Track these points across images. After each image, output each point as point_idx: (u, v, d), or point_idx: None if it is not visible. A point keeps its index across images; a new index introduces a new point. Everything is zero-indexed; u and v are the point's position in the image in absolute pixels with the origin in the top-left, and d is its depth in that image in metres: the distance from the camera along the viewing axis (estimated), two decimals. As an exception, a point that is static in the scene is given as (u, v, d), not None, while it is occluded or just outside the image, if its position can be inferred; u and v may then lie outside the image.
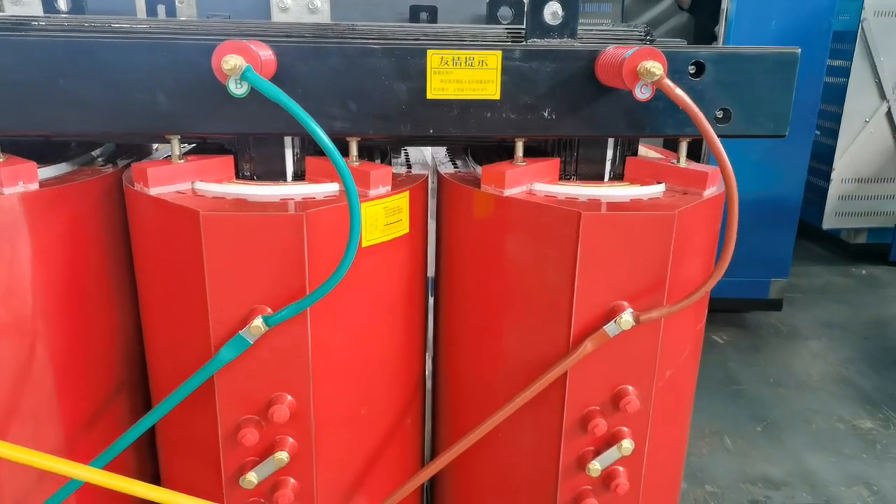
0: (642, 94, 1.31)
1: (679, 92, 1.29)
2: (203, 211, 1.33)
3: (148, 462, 1.83)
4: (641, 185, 1.57)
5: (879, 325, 4.87)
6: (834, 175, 5.56)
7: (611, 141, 1.61)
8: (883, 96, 5.40)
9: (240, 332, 1.38)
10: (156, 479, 1.86)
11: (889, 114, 5.45)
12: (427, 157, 1.95)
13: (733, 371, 4.13)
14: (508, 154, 1.59)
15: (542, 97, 1.46)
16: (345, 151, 1.48)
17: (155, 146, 2.00)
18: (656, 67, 1.26)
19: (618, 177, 1.64)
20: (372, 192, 1.48)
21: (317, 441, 1.52)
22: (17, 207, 1.42)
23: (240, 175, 1.58)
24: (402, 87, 1.43)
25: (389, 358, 1.65)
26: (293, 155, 1.56)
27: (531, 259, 1.49)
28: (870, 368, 4.25)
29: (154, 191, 1.44)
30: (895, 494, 3.11)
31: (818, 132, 5.14)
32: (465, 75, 1.43)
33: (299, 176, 1.59)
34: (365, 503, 1.65)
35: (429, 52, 1.41)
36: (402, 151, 1.97)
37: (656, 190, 1.55)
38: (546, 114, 1.48)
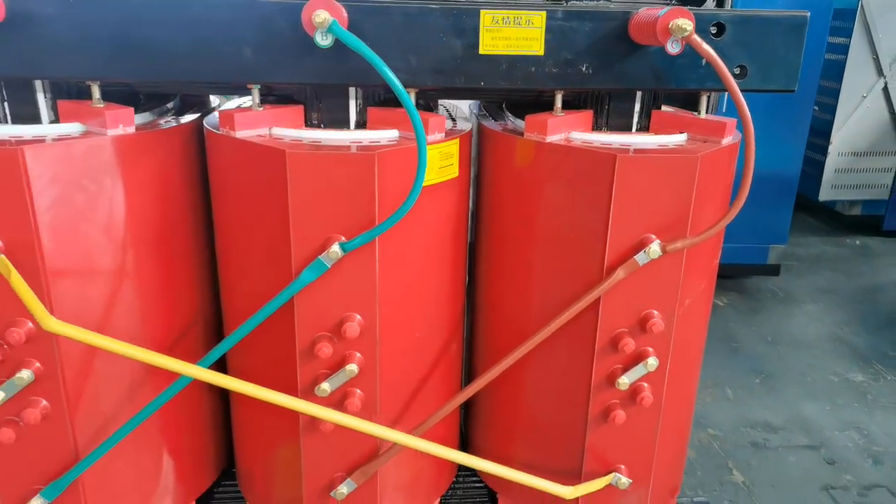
0: (673, 48, 1.51)
1: (706, 46, 1.48)
2: (288, 150, 1.52)
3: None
4: (665, 134, 1.77)
5: (872, 291, 5.11)
6: (831, 149, 5.76)
7: (638, 94, 1.80)
8: (880, 72, 5.58)
9: (318, 256, 1.58)
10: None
11: (886, 89, 5.64)
12: (465, 111, 2.14)
13: (733, 330, 4.36)
14: (540, 108, 1.78)
15: (580, 53, 1.65)
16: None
17: (216, 101, 2.19)
18: (687, 24, 1.45)
19: (644, 128, 1.84)
20: (429, 138, 1.68)
21: (380, 357, 1.72)
22: (118, 148, 1.60)
23: (308, 123, 1.77)
24: (457, 44, 1.62)
25: (439, 288, 1.85)
26: (356, 105, 1.75)
27: (569, 199, 1.69)
28: (863, 329, 4.49)
29: (240, 134, 1.63)
30: (883, 438, 3.35)
31: (816, 108, 5.33)
32: (513, 33, 1.62)
33: (360, 125, 1.78)
34: (415, 416, 1.86)
35: (482, 12, 1.60)
36: (441, 106, 2.16)
37: (679, 138, 1.75)
38: (584, 68, 1.67)
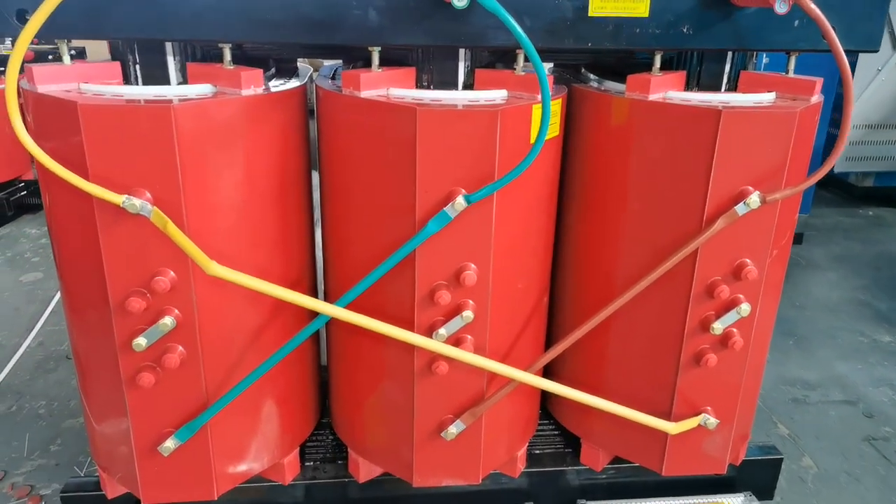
0: (781, 8, 1.61)
1: (813, 5, 1.59)
2: (419, 107, 1.62)
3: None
4: (756, 93, 1.87)
5: (889, 258, 5.27)
6: (846, 121, 5.87)
7: (728, 55, 1.91)
8: (895, 46, 5.70)
9: (444, 208, 1.68)
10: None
11: (901, 63, 5.76)
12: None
13: (762, 296, 4.50)
14: (617, 72, 1.88)
15: (682, 15, 1.75)
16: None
17: (303, 65, 2.28)
18: (797, -15, 1.55)
19: (732, 88, 1.94)
20: (540, 97, 1.77)
21: (491, 306, 1.83)
22: (250, 108, 1.69)
23: (419, 84, 1.86)
24: (568, 5, 1.71)
25: (538, 240, 1.97)
26: (465, 67, 1.85)
27: (671, 154, 1.80)
28: (884, 293, 4.65)
29: (364, 94, 1.72)
30: (916, 394, 3.52)
31: (832, 81, 5.44)
32: (622, -4, 1.72)
33: (467, 86, 1.87)
34: (516, 361, 1.98)
35: (594, -25, 1.69)
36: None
37: (769, 97, 1.86)
38: (685, 29, 1.77)
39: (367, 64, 1.92)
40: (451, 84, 1.85)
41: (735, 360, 1.96)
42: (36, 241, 5.29)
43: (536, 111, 1.76)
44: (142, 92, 1.66)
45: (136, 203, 1.56)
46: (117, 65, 1.74)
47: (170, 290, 1.67)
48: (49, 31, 1.57)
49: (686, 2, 1.74)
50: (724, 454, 2.11)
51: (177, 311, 1.72)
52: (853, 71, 5.73)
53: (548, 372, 2.15)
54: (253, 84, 1.70)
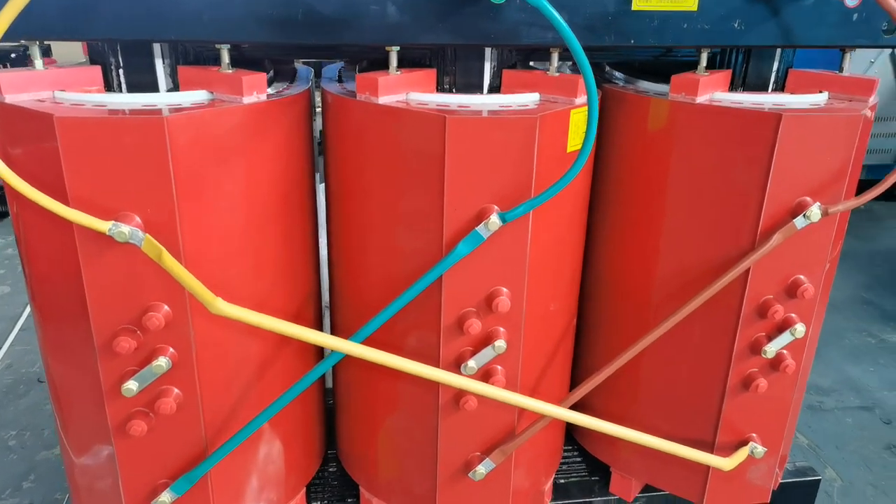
0: (851, 1, 1.44)
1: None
2: (448, 115, 1.42)
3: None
4: (806, 94, 1.71)
5: (885, 254, 5.20)
6: (838, 113, 5.79)
7: (777, 52, 1.74)
8: (887, 36, 5.62)
9: (476, 228, 1.49)
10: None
11: (893, 55, 5.68)
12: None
13: (765, 296, 4.38)
14: (657, 73, 1.71)
15: (734, 9, 1.58)
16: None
17: (300, 66, 2.07)
18: (872, -25, 1.38)
19: (779, 88, 1.78)
20: (577, 101, 1.59)
21: (524, 332, 1.65)
22: (253, 116, 1.48)
23: (440, 87, 1.67)
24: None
25: (570, 259, 1.79)
26: (491, 68, 1.65)
27: (721, 162, 1.63)
28: (886, 291, 4.57)
29: (383, 100, 1.52)
30: (932, 397, 3.42)
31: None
32: (668, -12, 1.54)
33: (493, 88, 1.68)
34: (546, 391, 1.80)
35: (638, -35, 1.51)
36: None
37: (821, 98, 1.70)
38: (736, 24, 1.59)
39: (376, 65, 1.73)
40: (475, 87, 1.66)
41: (785, 384, 1.81)
42: (1, 251, 4.99)
43: (575, 116, 1.57)
44: (128, 101, 1.44)
45: (125, 230, 1.34)
46: (97, 69, 1.52)
47: (164, 326, 1.45)
48: (21, 32, 1.35)
49: (736, -6, 1.57)
50: (769, 482, 1.95)
51: (171, 349, 1.50)
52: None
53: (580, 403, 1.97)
54: (255, 90, 1.49)
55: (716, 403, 1.81)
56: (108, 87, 1.55)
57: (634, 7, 1.55)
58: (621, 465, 2.06)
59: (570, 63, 2.17)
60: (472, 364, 1.60)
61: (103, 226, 1.34)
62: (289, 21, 1.44)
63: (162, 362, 1.47)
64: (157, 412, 1.52)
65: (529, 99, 1.60)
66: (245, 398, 1.67)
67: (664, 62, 2.11)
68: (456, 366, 1.63)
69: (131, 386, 1.47)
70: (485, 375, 1.64)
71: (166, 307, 1.47)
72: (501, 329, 1.62)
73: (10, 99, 1.39)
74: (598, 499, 2.12)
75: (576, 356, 2.04)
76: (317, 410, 1.99)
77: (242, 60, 1.66)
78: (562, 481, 2.16)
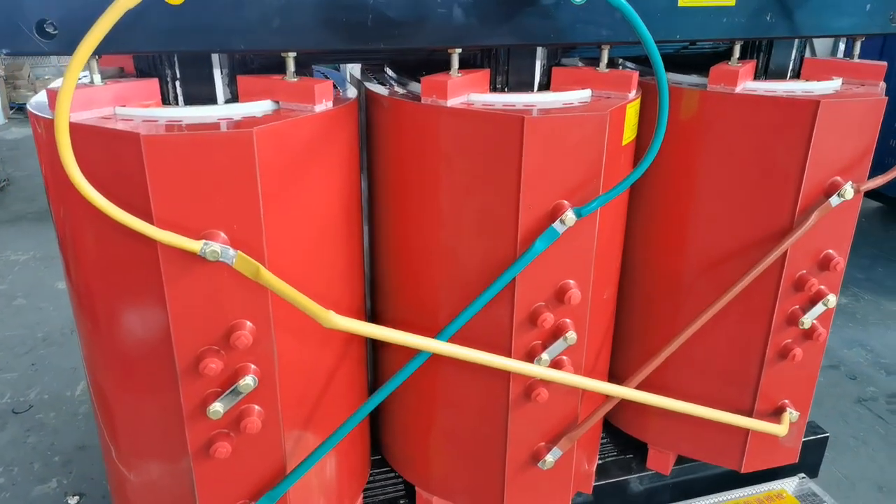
0: (881, -6, 1.56)
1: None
2: (527, 116, 1.45)
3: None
4: (821, 80, 1.84)
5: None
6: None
7: (795, 42, 1.86)
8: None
9: (552, 224, 1.53)
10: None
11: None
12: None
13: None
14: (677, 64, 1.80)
15: (766, 3, 1.67)
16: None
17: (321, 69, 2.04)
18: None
19: (796, 75, 1.90)
20: (630, 95, 1.65)
21: (589, 323, 1.70)
22: (324, 124, 1.47)
23: (492, 86, 1.69)
24: (659, -3, 1.60)
25: (618, 246, 1.85)
26: (541, 66, 1.69)
27: (759, 148, 1.73)
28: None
29: (451, 102, 1.53)
30: (885, 350, 3.72)
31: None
32: (711, -16, 1.62)
33: (542, 86, 1.72)
34: (600, 376, 1.87)
35: (684, -38, 1.58)
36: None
37: (836, 84, 1.82)
38: (768, 17, 1.69)
39: (404, 67, 1.73)
40: (526, 85, 1.70)
41: (816, 351, 1.94)
42: (-66, 277, 4.63)
43: (630, 111, 1.63)
44: (202, 114, 1.39)
45: (217, 249, 1.31)
46: (154, 83, 1.46)
47: (252, 344, 1.42)
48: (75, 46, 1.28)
49: (769, -12, 1.67)
50: (798, 443, 2.10)
51: (253, 366, 1.47)
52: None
53: (611, 377, 2.05)
54: (325, 97, 1.47)
55: (755, 373, 1.93)
56: (164, 100, 1.49)
57: (681, 3, 1.62)
58: (659, 441, 2.16)
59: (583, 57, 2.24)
60: (546, 357, 1.64)
61: (195, 246, 1.29)
62: (359, 27, 1.43)
63: (249, 381, 1.43)
64: (243, 432, 1.48)
65: (584, 95, 1.65)
66: (317, 409, 1.65)
67: (681, 55, 2.21)
68: (527, 359, 1.66)
69: (217, 408, 1.43)
70: (555, 366, 1.69)
71: (249, 324, 1.43)
72: (568, 320, 1.67)
73: (74, 118, 1.31)
74: (635, 476, 2.21)
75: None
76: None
77: (264, 66, 1.64)
78: (599, 462, 2.24)
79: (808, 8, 1.71)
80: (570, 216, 1.52)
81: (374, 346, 1.97)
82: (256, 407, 1.51)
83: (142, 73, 1.51)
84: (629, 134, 1.67)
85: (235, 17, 1.35)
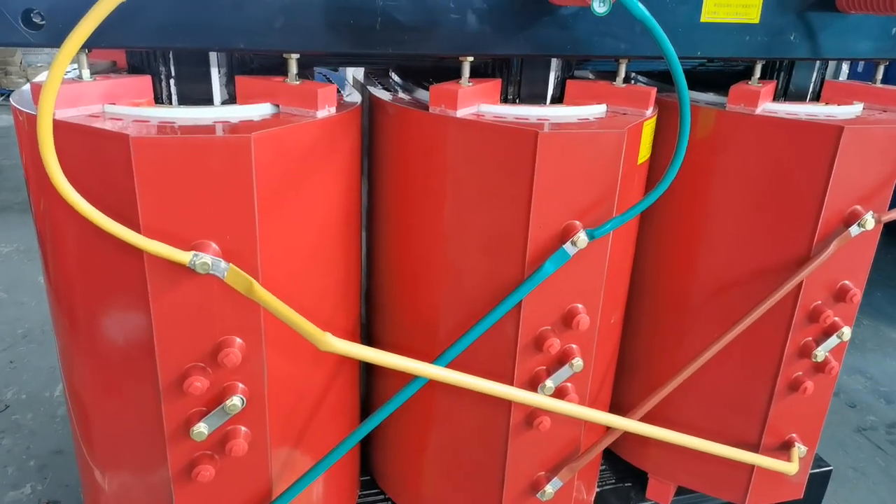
0: (912, 18, 1.50)
1: (950, 16, 1.49)
2: (541, 130, 1.37)
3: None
4: (839, 104, 1.77)
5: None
6: None
7: (817, 64, 1.79)
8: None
9: (562, 245, 1.45)
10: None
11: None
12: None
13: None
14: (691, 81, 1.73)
15: (790, 21, 1.61)
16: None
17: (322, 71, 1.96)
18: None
19: (815, 98, 1.83)
20: (647, 112, 1.58)
21: (596, 349, 1.63)
22: (326, 131, 1.39)
23: (503, 97, 1.61)
24: (681, 10, 1.53)
25: (627, 270, 1.78)
26: (555, 79, 1.62)
27: (777, 171, 1.66)
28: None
29: (460, 113, 1.45)
30: (884, 378, 3.66)
31: None
32: (734, 0, 1.55)
33: (555, 99, 1.64)
34: (603, 405, 1.79)
35: (709, -23, 1.51)
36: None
37: (857, 108, 1.76)
38: (791, 37, 1.63)
39: (409, 73, 1.65)
40: (540, 97, 1.62)
41: (827, 385, 1.88)
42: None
43: (647, 129, 1.56)
44: (196, 116, 1.31)
45: (208, 261, 1.22)
46: (147, 80, 1.37)
47: (241, 362, 1.33)
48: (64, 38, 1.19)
49: (794, 7, 1.60)
50: (804, 478, 2.03)
51: (241, 385, 1.38)
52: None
53: (613, 405, 1.97)
54: (327, 103, 1.39)
55: (763, 405, 1.86)
56: (157, 98, 1.40)
57: (703, 19, 1.55)
58: (660, 471, 2.08)
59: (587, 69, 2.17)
60: (550, 384, 1.56)
61: (184, 257, 1.21)
62: (368, 30, 1.35)
63: (237, 401, 1.35)
64: (228, 454, 1.39)
65: (599, 110, 1.57)
66: (307, 431, 1.56)
67: (696, 72, 2.14)
68: (530, 384, 1.58)
69: (202, 429, 1.34)
70: (559, 394, 1.61)
71: (239, 340, 1.35)
72: (574, 346, 1.59)
73: (59, 115, 1.23)
74: (637, 504, 2.14)
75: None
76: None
77: (261, 67, 1.56)
78: (597, 490, 2.16)
79: (834, 30, 1.65)
80: (582, 238, 1.44)
81: (368, 365, 1.89)
82: (242, 428, 1.42)
83: (134, 69, 1.43)
84: (644, 153, 1.60)
85: (237, 15, 1.27)
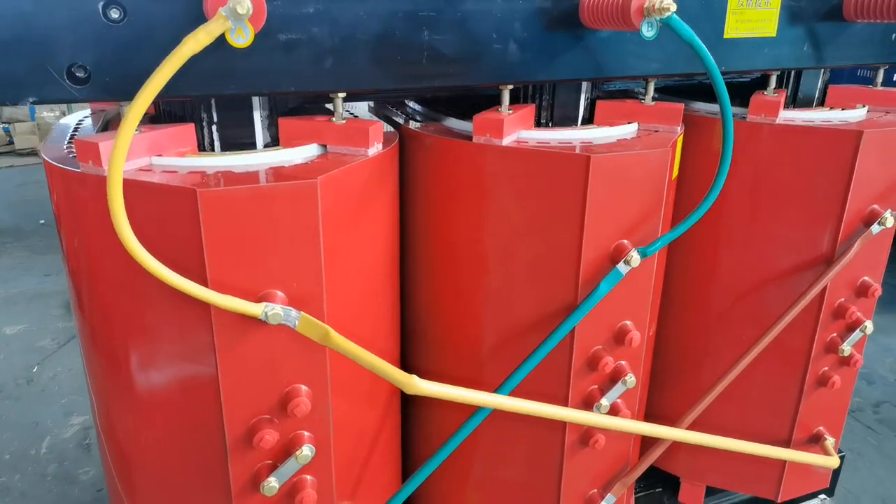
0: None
1: (956, 22, 1.57)
2: (593, 155, 1.38)
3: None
4: (844, 108, 1.85)
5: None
6: None
7: (821, 71, 1.86)
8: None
9: (616, 265, 1.46)
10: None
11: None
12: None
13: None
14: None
15: (803, 33, 1.67)
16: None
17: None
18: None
19: (821, 103, 1.91)
20: (678, 129, 1.61)
21: (644, 363, 1.65)
22: (378, 168, 1.37)
23: (537, 122, 1.62)
24: (707, 27, 1.56)
25: (661, 281, 1.81)
26: (585, 100, 1.64)
27: (800, 177, 1.72)
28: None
29: (506, 141, 1.45)
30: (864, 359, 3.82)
31: None
32: (754, 15, 1.60)
33: (585, 120, 1.66)
34: (640, 412, 1.81)
35: (730, -6, 1.56)
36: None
37: (861, 112, 1.83)
38: (805, 48, 1.69)
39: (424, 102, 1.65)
40: (571, 119, 1.63)
41: (850, 377, 1.94)
42: None
43: (679, 145, 1.59)
44: (249, 162, 1.27)
45: (280, 311, 1.18)
46: (189, 128, 1.32)
47: (311, 412, 1.30)
48: (115, 92, 1.15)
49: (805, 19, 1.66)
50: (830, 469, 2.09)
51: (307, 433, 1.35)
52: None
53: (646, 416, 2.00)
54: (377, 140, 1.37)
55: (794, 402, 1.91)
56: (200, 145, 1.35)
57: (726, 35, 1.59)
58: (691, 473, 2.11)
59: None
60: (605, 402, 1.57)
61: (256, 309, 1.17)
62: (414, 65, 1.34)
63: (307, 451, 1.31)
64: (299, 506, 1.35)
65: (632, 129, 1.60)
66: (364, 474, 1.53)
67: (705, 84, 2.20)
68: (585, 404, 1.59)
69: (273, 483, 1.30)
70: (612, 411, 1.62)
71: (305, 388, 1.31)
72: (624, 363, 1.61)
73: (110, 171, 1.17)
74: (671, 509, 2.17)
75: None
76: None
77: (293, 108, 1.53)
78: (630, 498, 2.18)
79: (840, 39, 1.71)
80: (635, 257, 1.46)
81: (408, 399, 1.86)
82: (308, 477, 1.38)
83: (173, 116, 1.38)
84: (677, 168, 1.63)
85: (287, 59, 1.24)
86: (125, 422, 1.40)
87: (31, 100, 1.13)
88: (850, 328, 1.83)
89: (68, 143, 1.41)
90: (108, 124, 1.59)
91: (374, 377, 1.43)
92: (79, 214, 1.24)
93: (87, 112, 1.77)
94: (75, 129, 1.54)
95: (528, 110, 1.57)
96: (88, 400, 1.53)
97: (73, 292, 1.37)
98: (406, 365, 1.86)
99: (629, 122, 1.62)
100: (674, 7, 1.26)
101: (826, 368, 1.89)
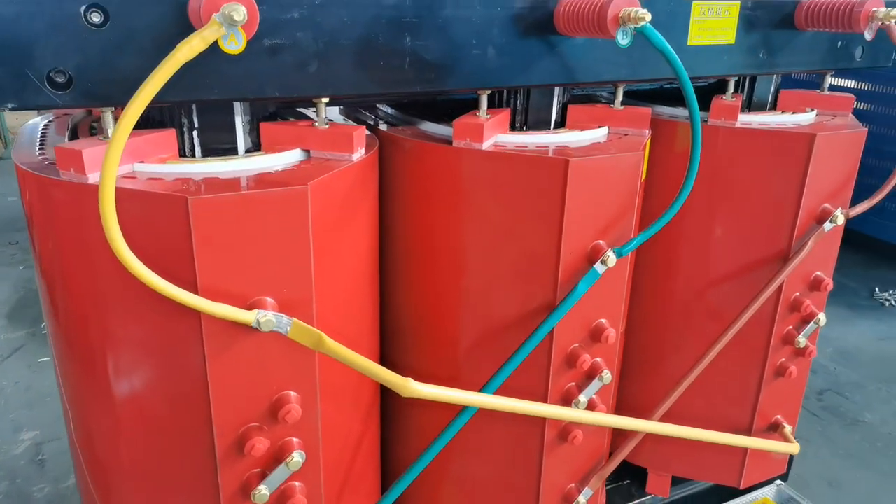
0: (868, 34, 1.67)
1: (899, 32, 1.68)
2: (571, 159, 1.43)
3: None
4: (794, 111, 1.95)
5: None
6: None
7: (774, 78, 1.96)
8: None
9: (593, 265, 1.51)
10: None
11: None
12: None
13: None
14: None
15: (759, 40, 1.76)
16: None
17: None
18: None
19: (773, 107, 2.01)
20: (647, 132, 1.67)
21: (617, 359, 1.70)
22: (361, 172, 1.38)
23: (511, 125, 1.66)
24: (672, 36, 1.62)
25: (630, 278, 1.87)
26: (558, 105, 1.68)
27: (758, 178, 1.80)
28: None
29: (485, 145, 1.48)
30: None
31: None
32: (715, 24, 1.67)
33: (558, 124, 1.71)
34: (613, 405, 1.87)
35: (693, 3, 1.63)
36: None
37: (810, 116, 1.94)
38: (761, 54, 1.78)
39: (399, 107, 1.67)
40: (545, 123, 1.68)
41: (805, 367, 2.05)
42: None
43: (647, 147, 1.65)
44: (234, 168, 1.26)
45: (272, 318, 1.18)
46: (171, 134, 1.31)
47: (301, 418, 1.30)
48: (101, 97, 1.13)
49: (761, 27, 1.75)
50: (787, 455, 2.19)
51: (296, 440, 1.34)
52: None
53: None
54: (360, 145, 1.38)
55: (754, 392, 2.00)
56: (181, 151, 1.34)
57: (690, 42, 1.66)
58: (660, 466, 2.19)
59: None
60: (583, 399, 1.62)
61: (248, 317, 1.17)
62: (397, 70, 1.35)
63: (297, 457, 1.31)
64: (289, 513, 1.35)
65: (603, 133, 1.65)
66: (349, 478, 1.54)
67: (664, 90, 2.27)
68: (563, 401, 1.63)
69: (263, 490, 1.29)
70: (589, 406, 1.66)
71: (294, 394, 1.31)
72: (599, 359, 1.66)
73: (93, 179, 1.15)
74: (637, 502, 2.23)
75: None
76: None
77: (272, 113, 1.53)
78: (599, 491, 2.24)
79: (793, 46, 1.81)
80: (611, 257, 1.51)
81: (386, 399, 1.87)
82: (297, 483, 1.38)
83: (152, 121, 1.35)
84: (645, 171, 1.69)
85: (272, 64, 1.23)
86: (107, 433, 1.36)
87: (9, 106, 1.10)
88: (805, 320, 1.93)
89: (40, 148, 1.37)
90: (77, 128, 1.55)
91: (360, 381, 1.44)
92: (59, 223, 1.20)
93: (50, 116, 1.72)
94: (43, 135, 1.50)
95: (504, 115, 1.60)
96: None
97: (49, 302, 1.34)
98: (386, 365, 1.86)
99: (600, 126, 1.67)
100: (649, 17, 1.31)
101: (783, 359, 1.98)
